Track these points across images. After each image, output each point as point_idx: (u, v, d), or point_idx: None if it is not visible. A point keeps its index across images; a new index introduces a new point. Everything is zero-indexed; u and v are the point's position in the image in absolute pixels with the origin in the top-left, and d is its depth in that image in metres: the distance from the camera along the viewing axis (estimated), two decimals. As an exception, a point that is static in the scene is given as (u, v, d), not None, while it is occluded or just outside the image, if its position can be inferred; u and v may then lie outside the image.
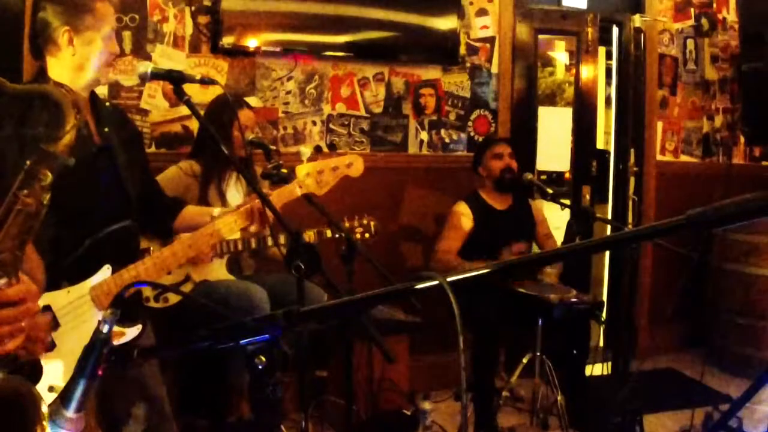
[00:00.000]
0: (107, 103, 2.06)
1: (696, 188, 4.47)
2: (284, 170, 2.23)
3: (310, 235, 2.78)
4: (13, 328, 1.07)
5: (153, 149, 3.25)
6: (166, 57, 3.28)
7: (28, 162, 1.04)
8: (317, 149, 2.12)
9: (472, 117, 4.00)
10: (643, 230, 0.91)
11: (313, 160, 2.27)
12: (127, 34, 3.21)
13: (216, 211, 2.21)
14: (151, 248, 2.34)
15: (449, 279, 0.87)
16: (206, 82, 1.94)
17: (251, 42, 3.39)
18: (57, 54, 1.86)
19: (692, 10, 4.57)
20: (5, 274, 1.03)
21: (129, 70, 3.20)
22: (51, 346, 1.70)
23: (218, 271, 2.83)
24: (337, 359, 3.15)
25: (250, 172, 2.88)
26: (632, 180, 4.38)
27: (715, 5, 4.66)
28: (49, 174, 1.04)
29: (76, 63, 1.87)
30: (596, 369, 3.43)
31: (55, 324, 1.75)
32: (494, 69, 4.01)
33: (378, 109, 3.78)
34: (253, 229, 2.20)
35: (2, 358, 1.07)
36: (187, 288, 2.74)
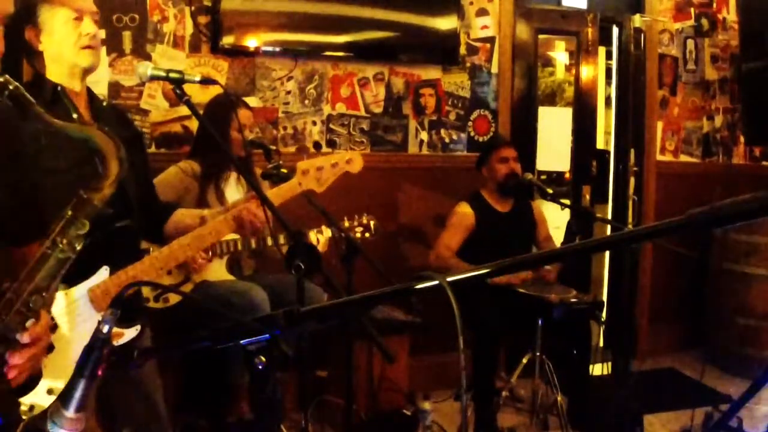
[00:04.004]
0: (104, 102, 2.05)
1: (696, 188, 4.47)
2: (284, 170, 2.23)
3: (311, 236, 2.78)
4: (32, 363, 1.13)
5: (153, 149, 3.25)
6: (166, 57, 3.28)
7: (69, 211, 1.07)
8: (316, 146, 2.13)
9: (472, 117, 4.00)
10: (643, 230, 0.91)
11: (312, 157, 2.27)
12: (127, 34, 3.21)
13: (207, 212, 2.20)
14: (151, 249, 2.33)
15: (449, 279, 0.86)
16: (206, 82, 1.94)
17: (251, 42, 3.39)
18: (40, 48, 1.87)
19: (692, 10, 4.57)
20: (33, 315, 1.07)
21: (129, 70, 3.20)
22: (49, 349, 1.70)
23: (218, 271, 2.83)
24: (337, 359, 3.15)
25: (250, 172, 2.87)
26: (632, 180, 4.38)
27: (715, 5, 4.66)
28: (87, 223, 1.07)
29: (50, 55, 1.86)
30: (596, 369, 3.44)
31: (52, 326, 1.74)
32: (494, 69, 4.01)
33: (378, 109, 3.78)
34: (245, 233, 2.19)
35: None
36: (186, 288, 2.74)
